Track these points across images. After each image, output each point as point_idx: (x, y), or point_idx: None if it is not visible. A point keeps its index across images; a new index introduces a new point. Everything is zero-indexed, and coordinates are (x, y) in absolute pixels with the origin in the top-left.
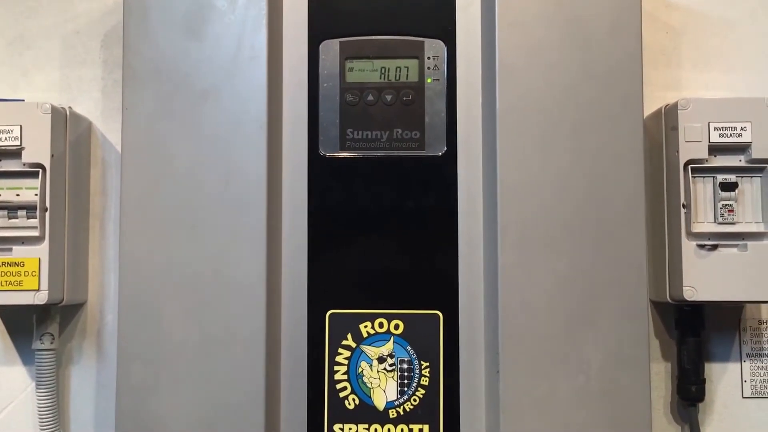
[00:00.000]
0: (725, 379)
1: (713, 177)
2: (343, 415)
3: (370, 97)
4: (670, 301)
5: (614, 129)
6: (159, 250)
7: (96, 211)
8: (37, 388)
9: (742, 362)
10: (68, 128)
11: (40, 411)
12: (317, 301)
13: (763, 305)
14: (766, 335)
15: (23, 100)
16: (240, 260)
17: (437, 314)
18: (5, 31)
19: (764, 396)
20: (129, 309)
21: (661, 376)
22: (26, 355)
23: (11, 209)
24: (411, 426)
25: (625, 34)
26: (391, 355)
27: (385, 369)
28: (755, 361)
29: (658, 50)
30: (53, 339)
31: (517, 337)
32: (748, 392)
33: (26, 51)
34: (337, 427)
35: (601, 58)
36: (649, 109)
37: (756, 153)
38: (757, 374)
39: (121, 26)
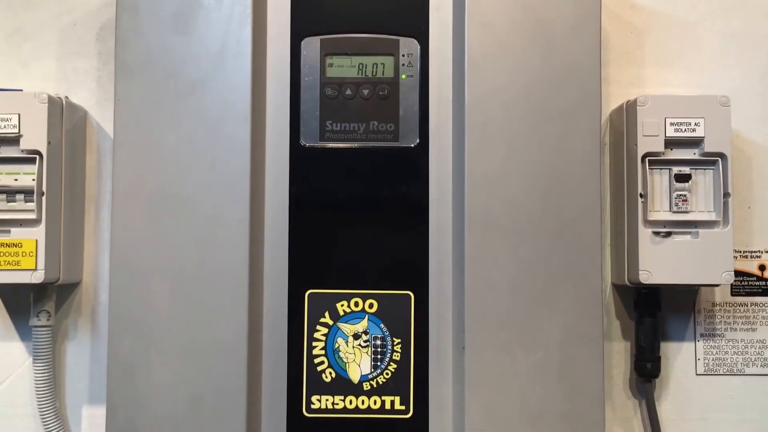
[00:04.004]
0: (680, 358)
1: (669, 169)
2: (320, 387)
3: (349, 92)
4: (628, 283)
5: (574, 123)
6: (148, 233)
7: (91, 195)
8: (34, 363)
9: (696, 342)
10: (64, 117)
11: (36, 384)
12: (297, 282)
13: (716, 288)
14: (719, 317)
15: (21, 90)
16: (225, 243)
17: (409, 294)
18: (4, 24)
19: (716, 373)
20: (120, 288)
21: (621, 354)
22: (24, 331)
23: (10, 193)
24: (383, 398)
25: (586, 34)
26: (365, 332)
27: (359, 345)
28: (708, 341)
29: (623, 49)
30: (50, 316)
31: (482, 316)
32: (701, 370)
33: (24, 42)
34: (315, 398)
35: (563, 56)
36: (614, 105)
37: (708, 147)
38: (710, 353)
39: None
